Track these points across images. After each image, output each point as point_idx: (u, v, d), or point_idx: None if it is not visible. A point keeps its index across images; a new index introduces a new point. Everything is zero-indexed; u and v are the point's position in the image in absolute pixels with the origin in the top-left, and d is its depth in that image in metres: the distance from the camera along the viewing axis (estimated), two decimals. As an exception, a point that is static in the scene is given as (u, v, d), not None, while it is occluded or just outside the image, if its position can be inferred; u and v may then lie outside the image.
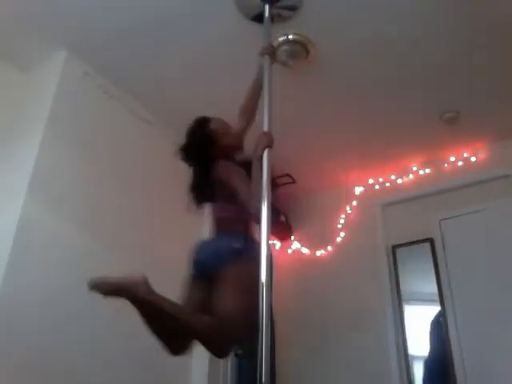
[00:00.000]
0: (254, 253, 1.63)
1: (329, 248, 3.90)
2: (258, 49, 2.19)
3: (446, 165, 3.63)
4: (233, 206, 1.84)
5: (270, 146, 1.86)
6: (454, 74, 2.88)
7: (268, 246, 1.69)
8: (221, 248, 1.78)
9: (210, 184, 1.89)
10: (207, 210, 2.01)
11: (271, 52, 2.18)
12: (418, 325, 3.38)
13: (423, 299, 3.56)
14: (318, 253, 3.94)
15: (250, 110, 2.20)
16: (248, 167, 1.87)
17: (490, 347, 2.97)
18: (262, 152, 1.84)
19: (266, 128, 1.93)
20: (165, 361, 2.76)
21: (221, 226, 1.92)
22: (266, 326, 1.53)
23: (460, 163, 3.58)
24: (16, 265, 2.19)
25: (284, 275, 3.83)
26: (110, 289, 1.53)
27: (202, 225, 2.73)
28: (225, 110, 2.14)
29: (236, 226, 1.86)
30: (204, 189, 1.91)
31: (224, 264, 1.72)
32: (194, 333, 1.63)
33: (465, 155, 3.57)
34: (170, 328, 1.65)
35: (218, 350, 1.68)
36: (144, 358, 2.61)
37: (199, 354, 2.96)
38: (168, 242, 2.98)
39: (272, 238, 3.81)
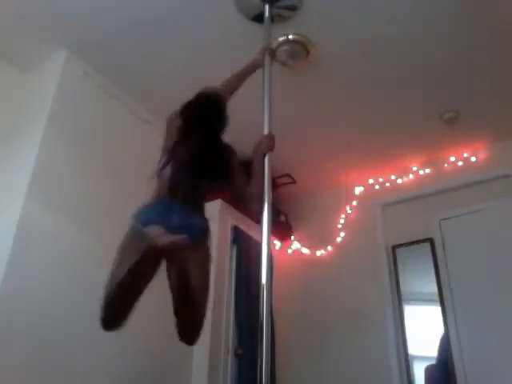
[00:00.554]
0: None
1: (329, 248, 3.90)
2: (258, 49, 2.21)
3: (446, 165, 3.63)
4: (214, 187, 1.87)
5: (271, 149, 1.87)
6: (454, 73, 2.88)
7: (268, 245, 1.69)
8: (195, 225, 1.69)
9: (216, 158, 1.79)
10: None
11: (271, 52, 2.19)
12: (418, 325, 3.38)
13: (423, 299, 3.55)
14: (318, 253, 3.94)
15: (229, 91, 2.17)
16: (247, 167, 1.87)
17: (490, 347, 2.97)
18: (264, 154, 1.85)
19: (266, 128, 1.94)
20: (165, 361, 2.79)
21: (191, 200, 1.74)
22: (267, 326, 1.53)
23: (460, 163, 3.58)
24: (16, 265, 2.19)
25: (284, 275, 3.84)
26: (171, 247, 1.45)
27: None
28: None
29: (203, 206, 1.82)
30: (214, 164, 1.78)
31: (195, 242, 1.63)
32: (198, 304, 1.61)
33: (465, 155, 3.57)
34: (133, 301, 1.60)
35: (195, 332, 1.66)
36: (144, 358, 2.61)
37: (199, 354, 2.98)
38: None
39: (272, 237, 3.81)
